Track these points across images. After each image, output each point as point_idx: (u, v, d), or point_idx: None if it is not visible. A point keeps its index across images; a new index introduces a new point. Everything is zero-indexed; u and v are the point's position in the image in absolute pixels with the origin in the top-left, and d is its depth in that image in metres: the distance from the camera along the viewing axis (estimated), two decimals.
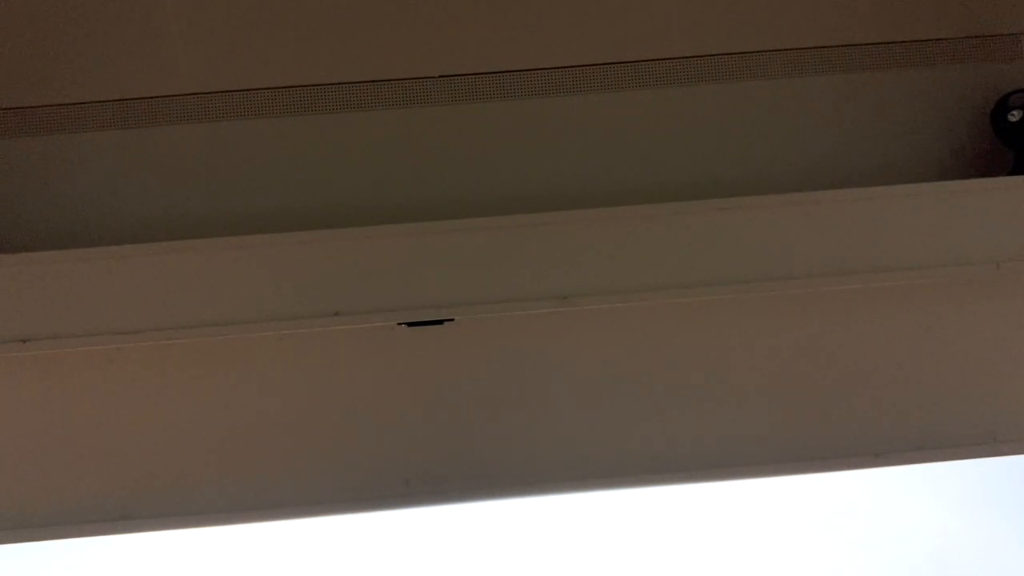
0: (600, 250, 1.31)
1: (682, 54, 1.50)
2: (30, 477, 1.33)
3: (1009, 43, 1.52)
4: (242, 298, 1.27)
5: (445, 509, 1.29)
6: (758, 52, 1.50)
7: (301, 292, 1.28)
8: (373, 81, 1.47)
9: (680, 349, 1.39)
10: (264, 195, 1.47)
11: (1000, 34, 1.51)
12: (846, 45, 1.51)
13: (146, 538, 1.34)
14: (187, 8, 1.45)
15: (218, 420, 1.36)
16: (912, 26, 1.51)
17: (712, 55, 1.50)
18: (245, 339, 1.28)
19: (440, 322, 1.25)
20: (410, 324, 1.28)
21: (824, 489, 1.44)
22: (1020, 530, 1.43)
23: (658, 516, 1.42)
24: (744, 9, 1.50)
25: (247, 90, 1.46)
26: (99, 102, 1.46)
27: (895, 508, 1.44)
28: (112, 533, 1.32)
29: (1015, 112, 1.43)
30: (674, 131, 1.51)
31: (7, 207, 1.45)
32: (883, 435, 1.36)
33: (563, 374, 1.34)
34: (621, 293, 1.29)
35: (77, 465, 1.34)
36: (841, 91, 1.51)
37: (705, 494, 1.42)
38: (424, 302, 1.28)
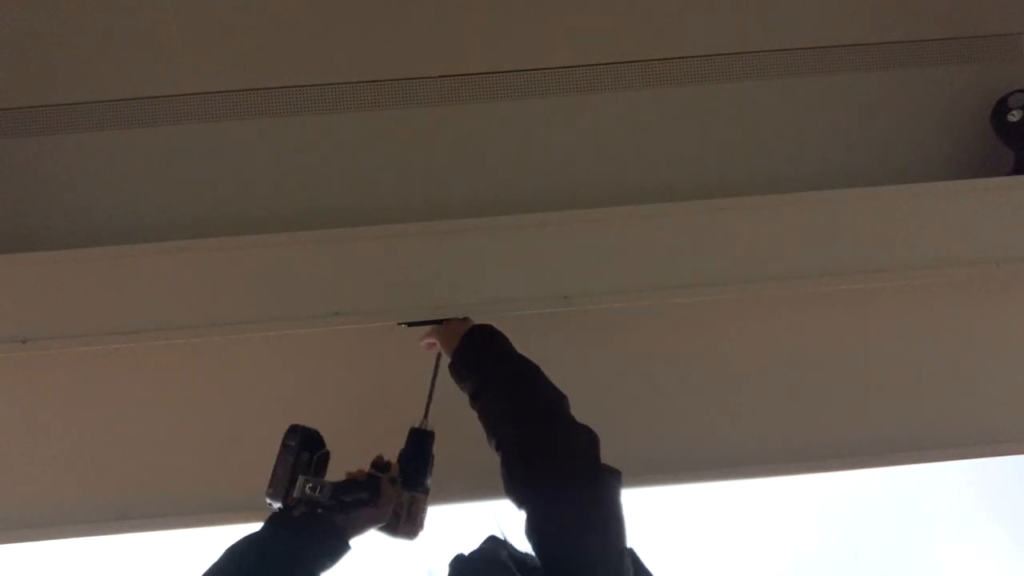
0: (600, 250, 1.30)
1: (682, 54, 1.50)
2: (30, 477, 1.33)
3: (1009, 43, 1.52)
4: (242, 298, 1.27)
5: (444, 509, 1.29)
6: (758, 52, 1.50)
7: (301, 292, 1.27)
8: (373, 81, 1.47)
9: (680, 349, 1.39)
10: (264, 195, 1.47)
11: (1000, 34, 1.51)
12: (846, 45, 1.51)
13: (145, 538, 1.34)
14: (187, 8, 1.45)
15: (217, 420, 1.36)
16: (912, 26, 1.51)
17: (712, 55, 1.50)
18: (245, 339, 1.28)
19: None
20: (410, 324, 1.27)
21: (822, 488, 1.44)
22: None
23: (658, 516, 1.42)
24: (744, 9, 1.50)
25: (247, 90, 1.46)
26: (99, 102, 1.46)
27: None
28: (111, 533, 1.32)
29: (1015, 112, 1.43)
30: (674, 131, 1.51)
31: (7, 207, 1.45)
32: (883, 435, 1.36)
33: (563, 374, 1.33)
34: (621, 293, 1.29)
35: (77, 465, 1.34)
36: (841, 91, 1.51)
37: (705, 494, 1.42)
38: (424, 302, 1.28)
